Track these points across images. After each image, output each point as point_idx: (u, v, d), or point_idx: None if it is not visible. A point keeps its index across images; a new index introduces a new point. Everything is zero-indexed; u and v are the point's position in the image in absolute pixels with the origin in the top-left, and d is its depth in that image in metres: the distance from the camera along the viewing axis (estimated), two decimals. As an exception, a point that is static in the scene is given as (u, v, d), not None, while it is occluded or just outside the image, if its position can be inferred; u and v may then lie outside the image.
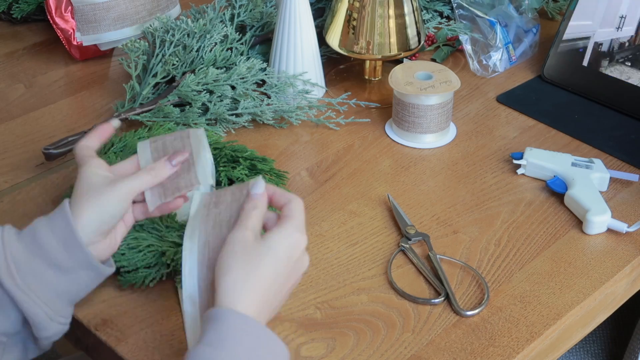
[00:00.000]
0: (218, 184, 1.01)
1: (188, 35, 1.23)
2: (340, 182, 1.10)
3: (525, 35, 1.37)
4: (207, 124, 1.17)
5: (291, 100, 1.22)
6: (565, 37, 1.29)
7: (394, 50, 1.24)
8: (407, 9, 1.23)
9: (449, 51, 1.37)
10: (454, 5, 1.37)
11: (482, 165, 1.13)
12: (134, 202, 0.86)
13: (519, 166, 1.11)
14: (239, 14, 1.31)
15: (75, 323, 0.88)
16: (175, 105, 1.18)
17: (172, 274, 0.93)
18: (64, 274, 0.79)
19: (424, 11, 1.41)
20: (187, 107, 1.17)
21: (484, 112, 1.25)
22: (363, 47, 1.24)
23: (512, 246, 1.00)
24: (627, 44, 1.24)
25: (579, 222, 1.03)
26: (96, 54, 1.37)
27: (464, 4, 1.36)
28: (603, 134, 1.19)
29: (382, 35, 1.23)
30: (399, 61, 1.29)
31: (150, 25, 1.25)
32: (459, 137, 1.19)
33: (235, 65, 1.21)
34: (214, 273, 0.77)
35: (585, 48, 1.27)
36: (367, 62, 1.30)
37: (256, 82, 1.21)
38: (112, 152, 1.05)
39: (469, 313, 0.90)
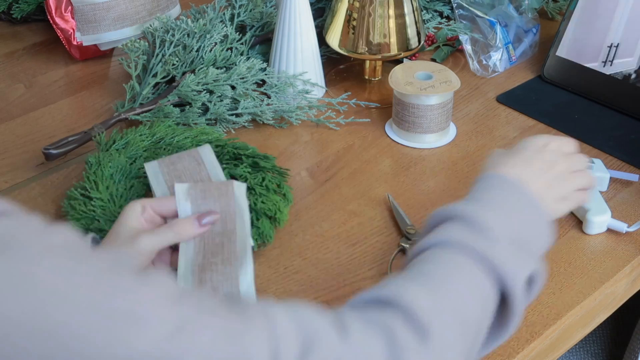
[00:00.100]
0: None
1: (188, 35, 1.23)
2: (340, 182, 1.10)
3: (525, 35, 1.37)
4: (207, 124, 1.17)
5: (291, 100, 1.22)
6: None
7: (394, 50, 1.24)
8: (407, 9, 1.23)
9: (449, 51, 1.37)
10: (454, 5, 1.37)
11: (482, 165, 1.13)
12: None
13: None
14: (239, 14, 1.31)
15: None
16: (175, 105, 1.18)
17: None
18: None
19: (424, 11, 1.41)
20: (187, 107, 1.17)
21: (484, 112, 1.25)
22: (363, 47, 1.24)
23: (512, 246, 1.00)
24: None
25: (579, 222, 1.03)
26: (96, 54, 1.37)
27: (464, 4, 1.36)
28: (603, 134, 1.19)
29: (382, 35, 1.23)
30: (399, 61, 1.29)
31: (150, 25, 1.26)
32: (459, 137, 1.19)
33: (235, 65, 1.21)
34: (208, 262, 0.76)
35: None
36: (367, 62, 1.30)
37: (256, 82, 1.21)
38: (114, 149, 1.05)
39: (469, 313, 0.90)
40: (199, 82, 1.17)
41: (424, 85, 1.15)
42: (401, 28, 1.23)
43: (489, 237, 0.73)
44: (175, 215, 0.85)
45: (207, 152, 0.95)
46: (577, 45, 1.29)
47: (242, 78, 1.19)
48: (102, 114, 1.24)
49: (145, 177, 1.06)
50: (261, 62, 1.22)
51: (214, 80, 1.18)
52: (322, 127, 1.21)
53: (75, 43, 1.33)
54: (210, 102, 1.17)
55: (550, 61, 1.31)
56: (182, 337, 0.55)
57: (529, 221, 0.77)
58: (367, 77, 1.32)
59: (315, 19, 1.28)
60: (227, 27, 1.26)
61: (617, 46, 1.25)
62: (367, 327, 0.63)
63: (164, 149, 1.07)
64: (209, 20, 1.26)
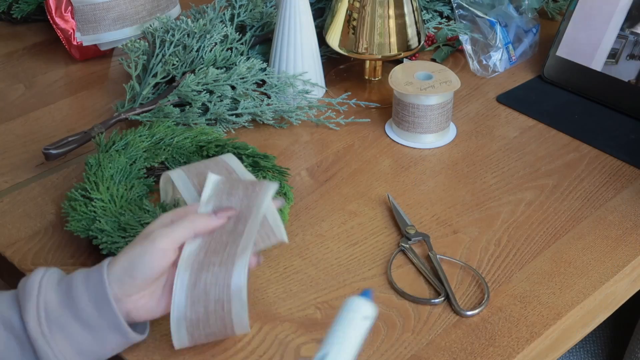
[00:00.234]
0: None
1: (188, 35, 1.23)
2: (340, 182, 1.10)
3: (525, 35, 1.37)
4: (207, 124, 1.17)
5: (291, 100, 1.22)
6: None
7: (394, 50, 1.24)
8: (407, 9, 1.23)
9: (449, 51, 1.37)
10: (454, 5, 1.37)
11: (482, 165, 1.13)
12: None
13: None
14: (239, 14, 1.31)
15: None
16: (175, 105, 1.18)
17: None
18: (90, 332, 0.76)
19: (424, 11, 1.41)
20: (187, 107, 1.17)
21: (484, 112, 1.25)
22: (363, 47, 1.23)
23: (512, 246, 1.00)
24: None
25: (578, 222, 1.03)
26: (96, 54, 1.37)
27: (464, 4, 1.36)
28: (603, 134, 1.19)
29: (382, 35, 1.23)
30: (399, 61, 1.29)
31: (150, 25, 1.26)
32: (459, 137, 1.19)
33: (235, 65, 1.21)
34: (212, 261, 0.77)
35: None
36: (367, 62, 1.30)
37: (256, 82, 1.21)
38: (114, 150, 1.05)
39: (469, 313, 0.90)
40: (199, 82, 1.17)
41: (424, 85, 1.15)
42: (401, 28, 1.23)
43: None
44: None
45: (232, 160, 0.95)
46: (577, 45, 1.29)
47: (242, 78, 1.19)
48: (102, 114, 1.24)
49: (146, 177, 1.07)
50: (261, 62, 1.22)
51: (214, 80, 1.18)
52: (322, 127, 1.21)
53: (75, 43, 1.33)
54: (210, 102, 1.17)
55: (550, 61, 1.31)
56: None
57: None
58: (367, 77, 1.32)
59: (315, 19, 1.28)
60: (227, 27, 1.26)
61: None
62: None
63: (164, 150, 1.07)
64: (209, 20, 1.26)
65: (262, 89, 1.21)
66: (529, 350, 0.87)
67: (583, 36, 1.28)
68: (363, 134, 1.20)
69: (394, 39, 1.23)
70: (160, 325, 0.88)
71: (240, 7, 1.31)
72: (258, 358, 0.86)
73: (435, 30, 1.39)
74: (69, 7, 1.31)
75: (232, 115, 1.18)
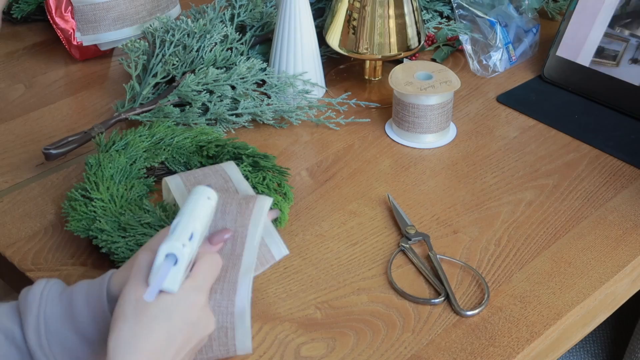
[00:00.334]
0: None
1: (188, 35, 1.23)
2: (340, 182, 1.10)
3: (525, 35, 1.37)
4: (207, 124, 1.17)
5: (291, 100, 1.22)
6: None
7: (394, 50, 1.24)
8: (407, 9, 1.23)
9: (449, 51, 1.37)
10: (454, 5, 1.37)
11: (482, 165, 1.13)
12: None
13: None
14: (239, 14, 1.31)
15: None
16: (175, 105, 1.18)
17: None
18: (90, 346, 0.76)
19: (424, 11, 1.41)
20: (187, 107, 1.17)
21: (484, 112, 1.25)
22: (363, 47, 1.23)
23: (512, 246, 1.00)
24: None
25: (578, 222, 1.03)
26: (96, 54, 1.37)
27: (464, 4, 1.36)
28: (603, 134, 1.19)
29: (382, 35, 1.23)
30: (399, 61, 1.29)
31: (150, 25, 1.26)
32: (459, 137, 1.19)
33: (235, 65, 1.21)
34: None
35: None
36: (367, 62, 1.30)
37: (256, 82, 1.21)
38: (114, 149, 1.05)
39: (469, 313, 0.90)
40: (199, 82, 1.17)
41: (424, 85, 1.15)
42: (401, 28, 1.23)
43: None
44: None
45: (232, 169, 0.95)
46: (577, 45, 1.29)
47: (242, 78, 1.19)
48: (102, 114, 1.24)
49: (146, 177, 1.07)
50: (261, 62, 1.22)
51: (214, 80, 1.18)
52: (322, 127, 1.21)
53: (75, 43, 1.33)
54: (210, 102, 1.17)
55: (550, 61, 1.31)
56: None
57: None
58: (367, 77, 1.32)
59: (315, 19, 1.28)
60: (227, 27, 1.26)
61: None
62: None
63: (164, 150, 1.07)
64: (209, 20, 1.26)
65: (262, 89, 1.21)
66: (529, 350, 0.87)
67: (583, 36, 1.28)
68: (363, 134, 1.20)
69: (394, 39, 1.23)
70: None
71: (240, 7, 1.31)
72: (258, 358, 0.86)
73: (435, 30, 1.39)
74: (69, 7, 1.31)
75: (232, 115, 1.18)
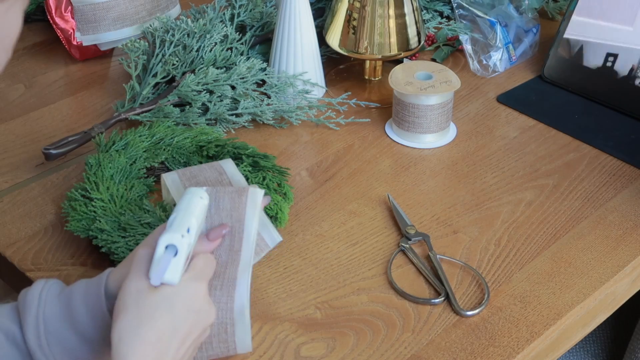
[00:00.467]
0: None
1: (188, 35, 1.23)
2: (340, 182, 1.10)
3: (525, 35, 1.37)
4: (207, 124, 1.17)
5: (291, 100, 1.22)
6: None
7: (394, 50, 1.24)
8: (407, 8, 1.23)
9: (449, 51, 1.37)
10: (454, 5, 1.37)
11: (482, 165, 1.13)
12: None
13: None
14: (239, 14, 1.31)
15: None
16: (175, 105, 1.18)
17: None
18: (88, 343, 0.76)
19: (424, 11, 1.41)
20: (187, 107, 1.17)
21: (484, 112, 1.25)
22: (363, 47, 1.24)
23: (512, 246, 1.00)
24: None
25: (578, 222, 1.03)
26: (96, 54, 1.37)
27: (464, 4, 1.36)
28: (603, 134, 1.19)
29: (382, 35, 1.23)
30: (399, 61, 1.29)
31: (150, 25, 1.26)
32: (459, 137, 1.19)
33: (235, 65, 1.21)
34: None
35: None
36: (367, 62, 1.30)
37: (256, 82, 1.21)
38: (114, 149, 1.05)
39: (469, 313, 0.90)
40: (199, 82, 1.17)
41: (424, 85, 1.15)
42: (401, 28, 1.23)
43: None
44: None
45: (228, 164, 0.95)
46: (577, 45, 1.29)
47: (242, 78, 1.19)
48: (102, 114, 1.24)
49: (146, 177, 1.07)
50: (261, 62, 1.22)
51: (214, 80, 1.18)
52: (322, 127, 1.21)
53: (75, 43, 1.33)
54: (210, 102, 1.17)
55: (550, 61, 1.31)
56: None
57: None
58: (367, 77, 1.32)
59: (315, 19, 1.28)
60: (227, 27, 1.26)
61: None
62: None
63: (164, 150, 1.07)
64: (209, 20, 1.26)
65: (262, 89, 1.21)
66: (529, 350, 0.87)
67: (583, 36, 1.28)
68: (363, 134, 1.20)
69: (394, 39, 1.23)
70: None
71: (240, 7, 1.31)
72: (258, 358, 0.86)
73: (435, 30, 1.39)
74: (69, 7, 1.31)
75: (232, 115, 1.18)
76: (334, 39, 1.26)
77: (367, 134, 1.20)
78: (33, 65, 1.37)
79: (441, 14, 1.43)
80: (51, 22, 1.33)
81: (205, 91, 1.17)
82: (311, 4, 1.23)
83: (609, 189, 1.09)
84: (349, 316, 0.90)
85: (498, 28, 1.33)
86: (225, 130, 1.18)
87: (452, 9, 1.40)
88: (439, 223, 1.03)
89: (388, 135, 1.19)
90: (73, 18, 1.32)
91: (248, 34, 1.30)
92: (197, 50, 1.22)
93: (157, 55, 1.21)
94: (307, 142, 1.18)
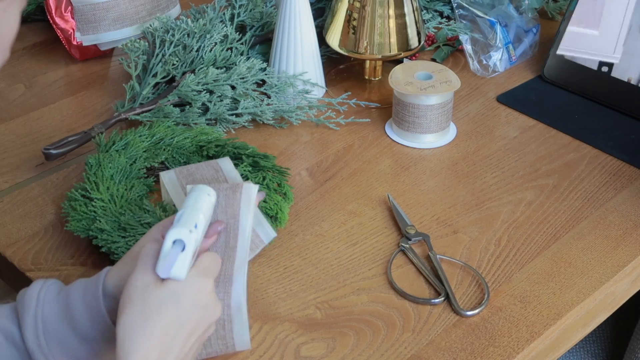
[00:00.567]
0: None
1: (188, 35, 1.23)
2: (340, 182, 1.10)
3: (525, 35, 1.37)
4: (207, 124, 1.17)
5: (291, 100, 1.22)
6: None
7: (394, 50, 1.24)
8: (407, 9, 1.23)
9: (449, 51, 1.37)
10: (454, 5, 1.37)
11: (482, 165, 1.13)
12: None
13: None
14: (239, 14, 1.31)
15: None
16: (175, 105, 1.18)
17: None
18: (87, 343, 0.76)
19: (424, 11, 1.41)
20: (187, 107, 1.17)
21: (484, 112, 1.25)
22: (363, 47, 1.23)
23: (512, 246, 1.00)
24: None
25: (578, 222, 1.03)
26: (96, 54, 1.37)
27: (464, 4, 1.36)
28: (603, 134, 1.19)
29: (382, 35, 1.22)
30: (399, 61, 1.29)
31: (150, 25, 1.26)
32: (459, 137, 1.19)
33: (235, 65, 1.21)
34: None
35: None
36: (367, 62, 1.30)
37: (256, 82, 1.21)
38: (114, 149, 1.05)
39: (469, 313, 0.90)
40: (199, 82, 1.17)
41: (424, 85, 1.15)
42: (401, 28, 1.23)
43: None
44: None
45: (225, 162, 0.95)
46: (577, 45, 1.29)
47: (242, 78, 1.19)
48: (102, 114, 1.24)
49: (146, 177, 1.07)
50: (261, 62, 1.22)
51: (214, 80, 1.18)
52: (322, 127, 1.21)
53: (75, 43, 1.33)
54: (210, 102, 1.17)
55: (550, 61, 1.31)
56: None
57: None
58: (367, 77, 1.32)
59: (315, 19, 1.28)
60: (227, 27, 1.26)
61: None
62: None
63: (164, 150, 1.07)
64: (209, 20, 1.26)
65: (262, 89, 1.21)
66: (529, 350, 0.87)
67: (583, 36, 1.28)
68: (363, 134, 1.20)
69: (394, 39, 1.23)
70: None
71: (240, 7, 1.31)
72: (258, 358, 0.86)
73: (435, 30, 1.39)
74: (69, 7, 1.31)
75: (232, 115, 1.18)
76: (334, 39, 1.26)
77: (367, 134, 1.20)
78: (33, 65, 1.37)
79: (441, 14, 1.43)
80: (51, 22, 1.33)
81: (205, 91, 1.17)
82: (311, 4, 1.23)
83: (609, 189, 1.09)
84: (349, 316, 0.90)
85: (498, 28, 1.33)
86: (225, 130, 1.18)
87: (452, 9, 1.40)
88: (439, 223, 1.03)
89: (388, 135, 1.19)
90: (73, 18, 1.32)
91: (248, 34, 1.30)
92: (197, 50, 1.22)
93: (157, 55, 1.21)
94: (307, 142, 1.18)
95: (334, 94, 1.27)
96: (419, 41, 1.26)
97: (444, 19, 1.40)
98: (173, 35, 1.22)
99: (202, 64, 1.21)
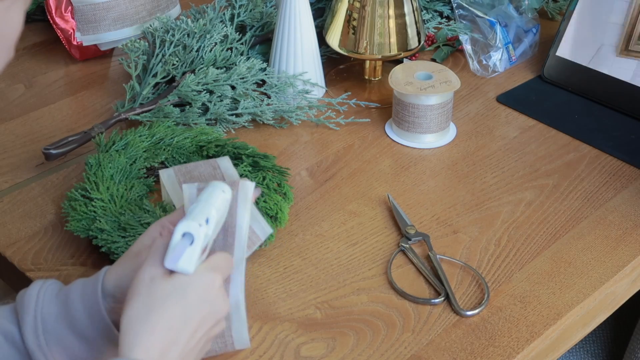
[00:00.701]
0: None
1: (188, 35, 1.23)
2: (340, 182, 1.10)
3: (525, 35, 1.37)
4: (207, 124, 1.17)
5: (291, 100, 1.22)
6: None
7: (394, 50, 1.24)
8: (407, 9, 1.23)
9: (449, 51, 1.37)
10: (454, 5, 1.37)
11: (482, 165, 1.13)
12: None
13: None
14: (239, 14, 1.31)
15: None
16: (175, 105, 1.18)
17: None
18: (86, 343, 0.76)
19: (424, 11, 1.41)
20: (187, 107, 1.17)
21: (484, 112, 1.25)
22: (363, 47, 1.24)
23: (512, 246, 1.00)
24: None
25: (578, 222, 1.03)
26: (96, 54, 1.37)
27: (464, 4, 1.36)
28: (603, 134, 1.19)
29: (382, 35, 1.23)
30: (399, 61, 1.29)
31: (150, 25, 1.26)
32: (459, 137, 1.19)
33: (235, 65, 1.21)
34: None
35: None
36: (367, 62, 1.30)
37: (256, 82, 1.21)
38: (114, 149, 1.05)
39: (469, 313, 0.90)
40: (199, 82, 1.17)
41: (424, 85, 1.15)
42: (401, 28, 1.23)
43: None
44: None
45: (224, 161, 0.95)
46: (577, 45, 1.29)
47: (242, 78, 1.19)
48: (102, 114, 1.24)
49: (146, 177, 1.07)
50: (261, 62, 1.22)
51: (214, 80, 1.18)
52: (322, 127, 1.21)
53: (75, 43, 1.33)
54: (210, 102, 1.17)
55: (550, 61, 1.31)
56: None
57: None
58: (367, 77, 1.32)
59: (315, 19, 1.28)
60: (227, 27, 1.26)
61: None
62: None
63: (164, 150, 1.07)
64: (209, 20, 1.26)
65: (262, 89, 1.21)
66: (529, 350, 0.87)
67: (583, 36, 1.28)
68: (363, 134, 1.20)
69: (394, 39, 1.23)
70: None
71: (240, 7, 1.31)
72: (258, 358, 0.86)
73: (435, 30, 1.39)
74: (69, 7, 1.31)
75: (232, 115, 1.18)
76: (334, 39, 1.26)
77: (367, 134, 1.20)
78: (33, 65, 1.37)
79: (441, 14, 1.43)
80: (51, 22, 1.33)
81: (205, 91, 1.17)
82: (311, 4, 1.23)
83: (609, 189, 1.09)
84: (349, 316, 0.90)
85: (498, 28, 1.33)
86: (225, 130, 1.18)
87: (452, 9, 1.40)
88: (439, 223, 1.03)
89: (388, 135, 1.19)
90: (73, 18, 1.32)
91: (248, 34, 1.30)
92: (197, 50, 1.22)
93: (157, 55, 1.21)
94: (307, 142, 1.18)
95: (334, 94, 1.27)
96: (419, 41, 1.26)
97: (444, 19, 1.40)
98: (173, 35, 1.22)
99: (202, 64, 1.21)
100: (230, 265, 0.77)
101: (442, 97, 1.14)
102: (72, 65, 1.37)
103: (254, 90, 1.20)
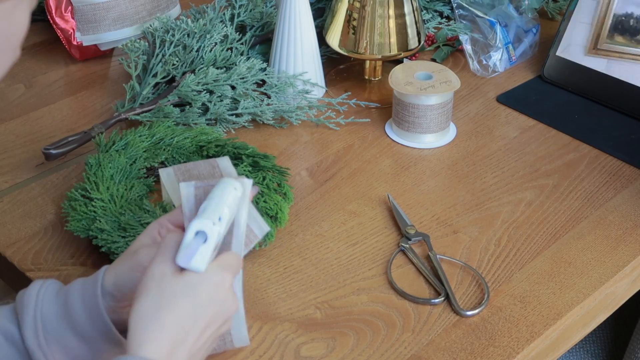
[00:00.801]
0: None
1: (188, 35, 1.23)
2: (340, 182, 1.10)
3: (525, 35, 1.37)
4: (207, 124, 1.17)
5: (291, 100, 1.22)
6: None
7: (394, 50, 1.24)
8: (407, 9, 1.23)
9: (449, 51, 1.37)
10: (454, 5, 1.37)
11: (482, 165, 1.13)
12: None
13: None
14: (239, 14, 1.31)
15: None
16: (175, 105, 1.18)
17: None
18: (86, 343, 0.76)
19: (424, 11, 1.41)
20: (187, 107, 1.17)
21: (484, 112, 1.25)
22: (363, 47, 1.24)
23: (512, 246, 1.00)
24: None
25: (578, 222, 1.03)
26: (96, 54, 1.37)
27: (464, 4, 1.36)
28: (603, 134, 1.19)
29: (382, 35, 1.23)
30: (399, 61, 1.29)
31: (150, 25, 1.26)
32: (459, 137, 1.19)
33: (235, 65, 1.21)
34: None
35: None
36: (367, 62, 1.30)
37: (256, 82, 1.21)
38: (114, 149, 1.05)
39: (469, 313, 0.90)
40: (199, 82, 1.17)
41: (424, 85, 1.15)
42: (401, 28, 1.23)
43: None
44: None
45: (224, 160, 0.95)
46: (577, 45, 1.29)
47: (242, 78, 1.20)
48: (102, 114, 1.24)
49: (146, 177, 1.07)
50: (261, 62, 1.22)
51: (214, 80, 1.18)
52: (322, 127, 1.21)
53: (75, 43, 1.33)
54: (210, 102, 1.17)
55: (550, 61, 1.31)
56: None
57: None
58: (367, 77, 1.32)
59: (315, 19, 1.28)
60: (227, 27, 1.26)
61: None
62: None
63: (164, 150, 1.07)
64: (209, 20, 1.26)
65: (262, 89, 1.21)
66: (529, 350, 0.87)
67: (583, 36, 1.28)
68: (363, 134, 1.20)
69: (394, 39, 1.23)
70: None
71: (240, 7, 1.31)
72: (258, 358, 0.86)
73: (435, 30, 1.39)
74: (69, 7, 1.31)
75: (232, 115, 1.18)
76: (334, 39, 1.26)
77: (367, 134, 1.20)
78: (33, 65, 1.37)
79: (441, 14, 1.43)
80: (51, 22, 1.33)
81: (205, 91, 1.17)
82: (311, 4, 1.23)
83: (609, 189, 1.09)
84: (349, 316, 0.90)
85: (498, 28, 1.33)
86: (225, 130, 1.18)
87: (452, 9, 1.40)
88: (439, 223, 1.03)
89: (388, 135, 1.19)
90: (73, 18, 1.32)
91: (248, 34, 1.30)
92: (197, 50, 1.22)
93: (157, 55, 1.21)
94: (307, 142, 1.18)
95: (334, 94, 1.27)
96: (419, 41, 1.26)
97: (444, 19, 1.40)
98: (173, 35, 1.22)
99: (202, 64, 1.21)
100: (240, 264, 0.76)
101: (442, 97, 1.15)
102: (72, 65, 1.37)
103: (254, 90, 1.20)
